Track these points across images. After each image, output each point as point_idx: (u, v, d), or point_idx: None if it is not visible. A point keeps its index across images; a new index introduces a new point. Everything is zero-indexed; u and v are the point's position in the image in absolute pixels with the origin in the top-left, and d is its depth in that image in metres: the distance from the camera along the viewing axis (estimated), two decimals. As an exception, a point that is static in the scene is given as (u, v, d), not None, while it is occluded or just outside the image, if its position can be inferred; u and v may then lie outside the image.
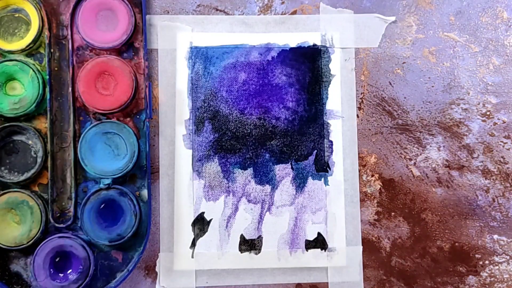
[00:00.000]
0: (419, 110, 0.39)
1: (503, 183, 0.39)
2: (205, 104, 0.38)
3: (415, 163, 0.39)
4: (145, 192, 0.36)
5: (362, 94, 0.39)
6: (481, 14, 0.40)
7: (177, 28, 0.38)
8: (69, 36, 0.37)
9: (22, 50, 0.36)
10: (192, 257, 0.37)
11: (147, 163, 0.36)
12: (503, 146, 0.39)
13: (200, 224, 0.37)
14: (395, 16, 0.39)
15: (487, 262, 0.38)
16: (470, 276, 0.38)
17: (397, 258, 0.38)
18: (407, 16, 0.39)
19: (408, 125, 0.39)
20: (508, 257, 0.38)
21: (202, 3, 0.39)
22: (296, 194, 0.38)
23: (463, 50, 0.39)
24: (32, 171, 0.35)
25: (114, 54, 0.37)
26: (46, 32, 0.36)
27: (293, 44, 0.39)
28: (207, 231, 0.37)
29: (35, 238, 0.35)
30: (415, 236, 0.38)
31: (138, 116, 0.37)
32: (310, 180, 0.38)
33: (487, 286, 0.38)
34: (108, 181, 0.35)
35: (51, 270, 0.35)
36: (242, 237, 0.37)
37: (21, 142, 0.36)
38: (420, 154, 0.39)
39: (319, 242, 0.37)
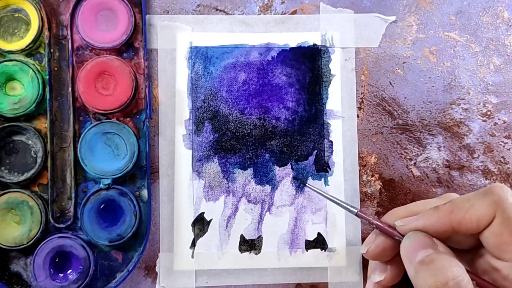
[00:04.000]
0: (419, 110, 0.39)
1: (503, 183, 0.39)
2: (205, 104, 0.38)
3: (415, 163, 0.39)
4: (145, 192, 0.36)
5: (362, 94, 0.39)
6: (482, 13, 0.40)
7: (177, 28, 0.38)
8: (69, 36, 0.37)
9: (22, 50, 0.36)
10: (192, 257, 0.37)
11: (147, 163, 0.36)
12: (504, 146, 0.39)
13: (200, 224, 0.37)
14: (396, 15, 0.39)
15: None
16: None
17: (397, 258, 0.38)
18: (408, 16, 0.39)
19: (409, 125, 0.39)
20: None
21: (202, 3, 0.39)
22: (296, 194, 0.38)
23: (464, 50, 0.39)
24: (32, 171, 0.35)
25: (114, 54, 0.37)
26: (46, 32, 0.36)
27: (293, 44, 0.39)
28: (207, 231, 0.37)
29: (35, 238, 0.35)
30: (415, 236, 0.38)
31: (138, 116, 0.37)
32: (310, 180, 0.38)
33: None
34: (108, 181, 0.35)
35: (51, 270, 0.35)
36: (242, 237, 0.37)
37: (21, 142, 0.36)
38: (421, 154, 0.39)
39: (319, 242, 0.37)
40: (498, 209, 0.28)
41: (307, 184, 0.37)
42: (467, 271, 0.29)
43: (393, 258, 0.32)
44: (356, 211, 0.33)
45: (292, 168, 0.38)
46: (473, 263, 0.31)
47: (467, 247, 0.31)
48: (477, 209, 0.28)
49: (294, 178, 0.38)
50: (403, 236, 0.30)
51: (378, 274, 0.33)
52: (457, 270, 0.27)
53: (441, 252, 0.29)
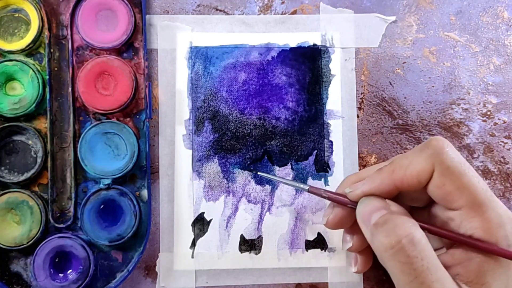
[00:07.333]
0: (419, 110, 0.39)
1: (503, 184, 0.39)
2: (205, 104, 0.38)
3: (415, 163, 0.39)
4: (145, 192, 0.36)
5: (362, 94, 0.39)
6: (482, 13, 0.40)
7: (177, 28, 0.38)
8: (69, 36, 0.37)
9: (22, 50, 0.36)
10: (192, 257, 0.37)
11: (147, 163, 0.36)
12: (504, 146, 0.39)
13: (200, 224, 0.37)
14: (396, 16, 0.39)
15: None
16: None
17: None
18: (408, 16, 0.39)
19: (409, 125, 0.39)
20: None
21: (202, 3, 0.39)
22: (296, 194, 0.38)
23: (464, 50, 0.39)
24: (32, 171, 0.35)
25: (114, 54, 0.37)
26: (46, 32, 0.36)
27: (293, 44, 0.39)
28: (207, 231, 0.37)
29: (35, 238, 0.35)
30: (415, 236, 0.38)
31: (138, 116, 0.37)
32: (310, 180, 0.38)
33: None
34: (108, 181, 0.35)
35: (51, 270, 0.35)
36: (242, 237, 0.37)
37: (21, 142, 0.36)
38: (420, 154, 0.39)
39: (319, 242, 0.37)
40: (436, 161, 0.28)
41: (259, 172, 0.37)
42: (422, 222, 0.29)
43: (355, 225, 0.32)
44: (307, 187, 0.33)
45: (292, 168, 0.38)
46: (431, 219, 0.31)
47: (424, 203, 0.32)
48: (415, 165, 0.29)
49: (243, 169, 0.38)
50: (355, 202, 0.31)
51: (348, 242, 0.34)
52: (408, 227, 0.28)
53: (394, 212, 0.29)
